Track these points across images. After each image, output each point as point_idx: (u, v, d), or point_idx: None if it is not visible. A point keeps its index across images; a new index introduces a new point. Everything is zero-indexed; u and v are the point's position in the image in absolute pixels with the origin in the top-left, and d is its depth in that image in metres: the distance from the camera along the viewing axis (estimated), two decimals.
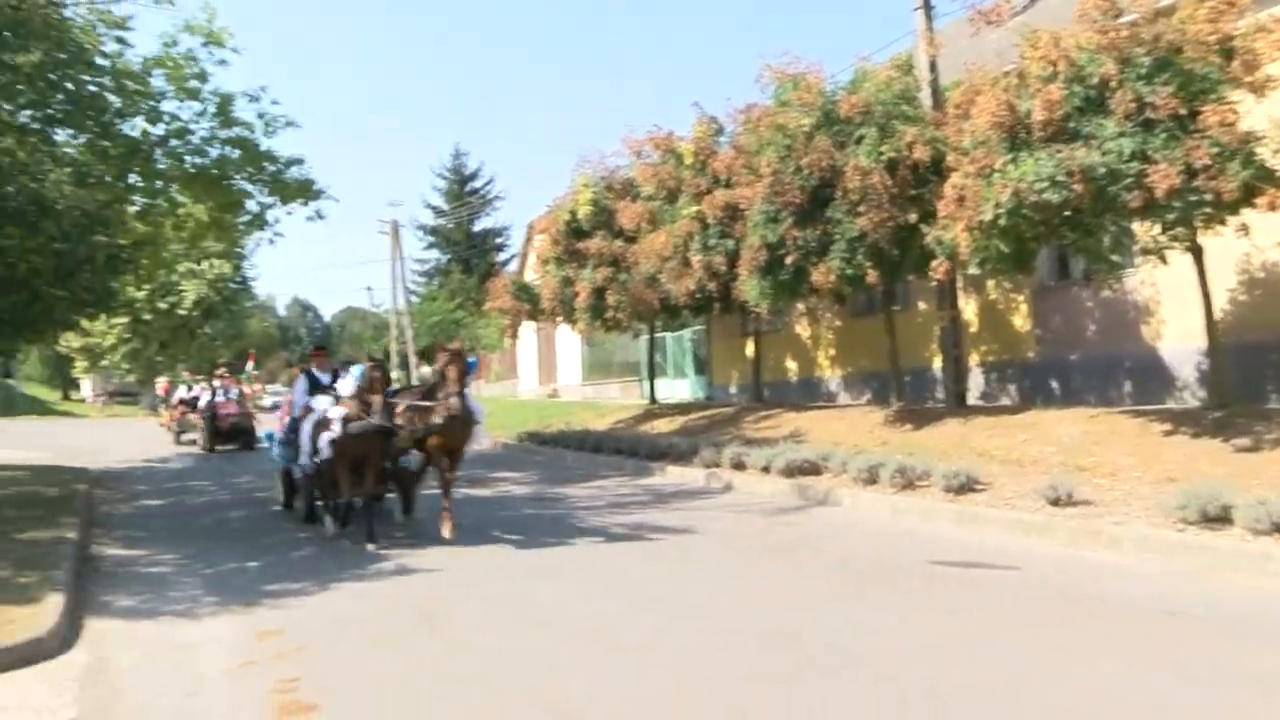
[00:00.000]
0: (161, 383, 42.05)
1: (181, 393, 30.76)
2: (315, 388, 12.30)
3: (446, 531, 10.64)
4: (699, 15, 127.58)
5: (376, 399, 10.74)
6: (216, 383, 27.81)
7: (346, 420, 10.81)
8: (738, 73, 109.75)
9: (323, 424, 11.19)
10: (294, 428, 12.46)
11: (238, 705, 5.61)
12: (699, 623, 7.08)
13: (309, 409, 11.94)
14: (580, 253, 23.29)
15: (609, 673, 6.00)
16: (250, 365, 33.84)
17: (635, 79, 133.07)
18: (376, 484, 11.50)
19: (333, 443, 10.85)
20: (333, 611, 7.89)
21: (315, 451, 11.29)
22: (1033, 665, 5.81)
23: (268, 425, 17.27)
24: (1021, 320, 17.46)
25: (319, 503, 12.26)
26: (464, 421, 10.85)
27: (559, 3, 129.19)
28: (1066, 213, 11.27)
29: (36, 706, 5.74)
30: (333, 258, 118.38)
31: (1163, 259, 12.23)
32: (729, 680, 5.69)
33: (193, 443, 27.73)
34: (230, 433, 25.74)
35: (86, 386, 65.66)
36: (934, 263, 13.61)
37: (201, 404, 27.25)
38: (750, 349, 23.65)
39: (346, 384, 11.21)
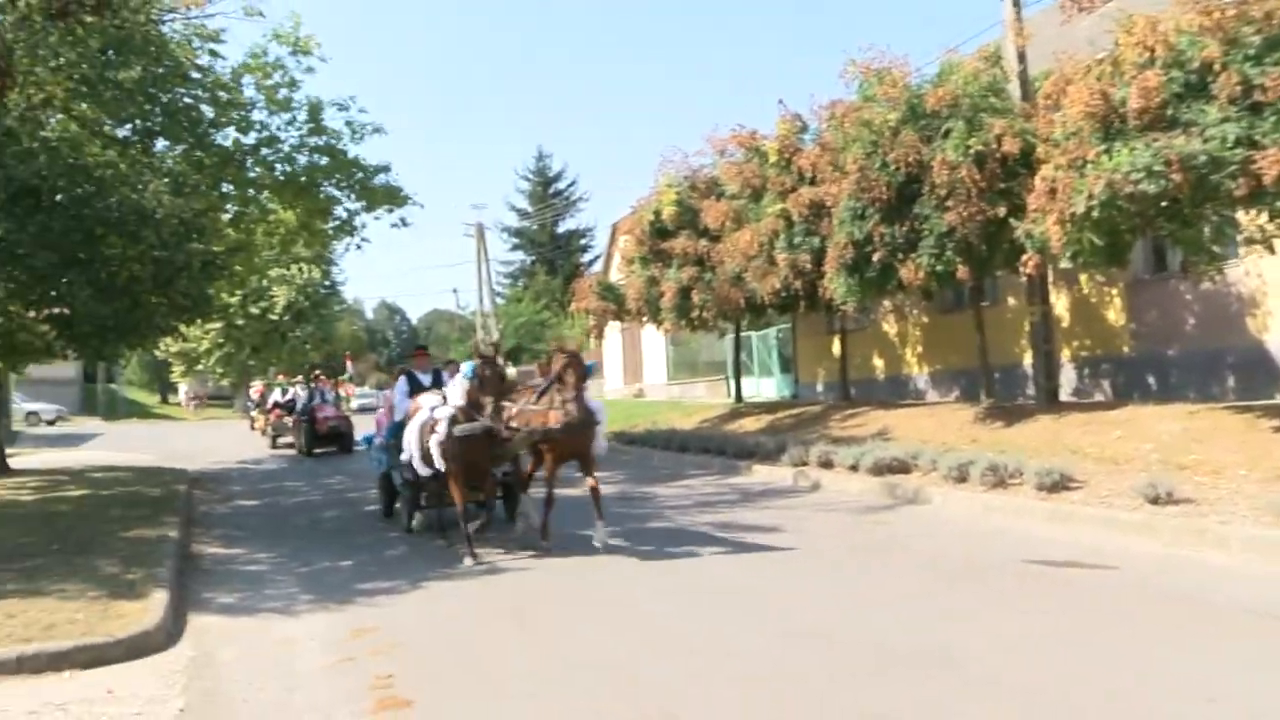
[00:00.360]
0: (256, 386, 43.08)
1: (276, 396, 31.43)
2: (416, 389, 12.09)
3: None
4: (782, 12, 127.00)
5: (488, 400, 9.95)
6: (313, 385, 28.34)
7: (453, 421, 10.02)
8: (822, 69, 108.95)
9: (429, 426, 10.44)
10: (395, 431, 11.87)
11: (335, 701, 5.73)
12: (790, 624, 7.03)
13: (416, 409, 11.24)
14: (665, 252, 23.34)
15: (698, 674, 5.97)
16: (349, 367, 34.37)
17: (718, 78, 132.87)
18: (480, 490, 11.02)
19: (439, 445, 10.09)
20: (424, 609, 8.03)
21: (425, 458, 10.45)
22: (1133, 664, 5.65)
23: (366, 428, 17.43)
24: (1115, 314, 17.01)
25: (418, 510, 11.78)
26: (585, 424, 10.10)
27: (642, 3, 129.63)
28: (1164, 203, 10.92)
29: (147, 696, 5.96)
30: (419, 260, 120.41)
31: (1270, 249, 11.77)
32: (821, 678, 5.66)
33: (289, 446, 28.27)
34: (328, 436, 25.94)
35: (182, 390, 67.70)
36: (1024, 257, 13.30)
37: (298, 407, 27.79)
38: (836, 347, 23.44)
39: (455, 388, 10.39)
